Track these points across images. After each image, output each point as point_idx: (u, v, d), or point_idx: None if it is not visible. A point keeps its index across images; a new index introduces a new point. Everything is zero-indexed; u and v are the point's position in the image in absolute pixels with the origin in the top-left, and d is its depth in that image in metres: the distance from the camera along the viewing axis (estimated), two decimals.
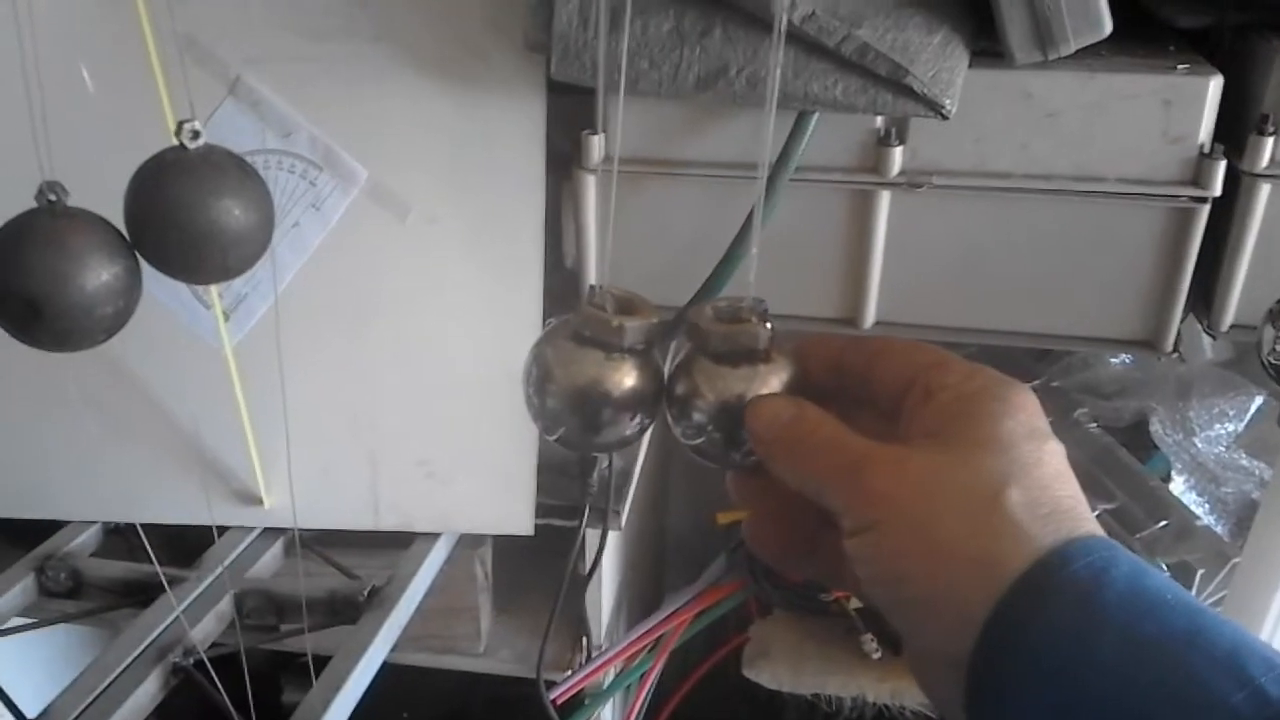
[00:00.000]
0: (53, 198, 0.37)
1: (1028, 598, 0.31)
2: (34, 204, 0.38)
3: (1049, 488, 0.34)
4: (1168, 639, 0.29)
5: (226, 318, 0.69)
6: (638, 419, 0.39)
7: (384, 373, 0.70)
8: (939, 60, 0.60)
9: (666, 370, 0.40)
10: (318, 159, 0.68)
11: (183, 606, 0.63)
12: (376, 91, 0.67)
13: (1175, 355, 0.67)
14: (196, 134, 0.39)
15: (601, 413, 0.37)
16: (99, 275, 0.37)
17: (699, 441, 0.40)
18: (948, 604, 0.33)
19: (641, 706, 0.78)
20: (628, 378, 0.37)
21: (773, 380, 0.39)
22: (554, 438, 0.40)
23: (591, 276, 0.74)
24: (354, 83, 0.67)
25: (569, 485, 0.72)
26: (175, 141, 0.57)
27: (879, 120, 0.65)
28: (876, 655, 0.73)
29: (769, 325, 0.39)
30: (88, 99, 0.65)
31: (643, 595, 1.00)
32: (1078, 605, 0.30)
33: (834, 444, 0.37)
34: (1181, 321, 0.66)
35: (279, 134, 0.68)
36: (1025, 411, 0.36)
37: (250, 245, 0.40)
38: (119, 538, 0.74)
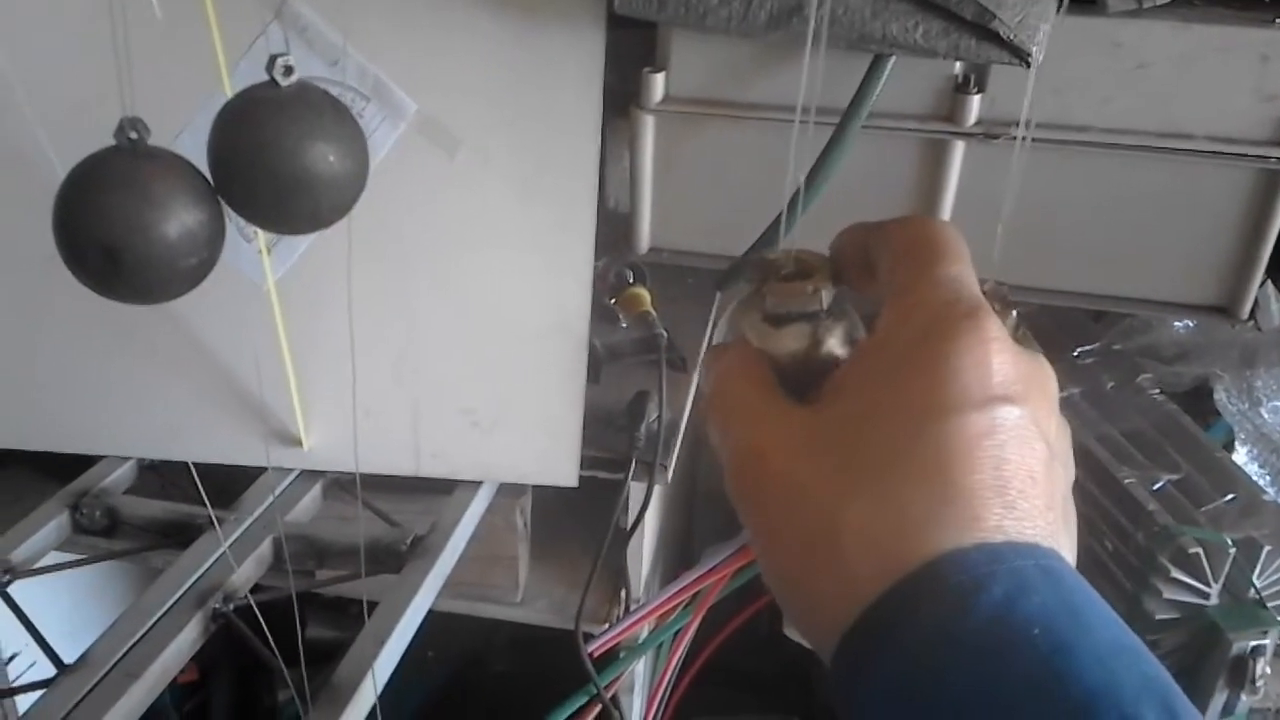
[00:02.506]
0: (134, 135, 0.34)
1: (886, 621, 0.28)
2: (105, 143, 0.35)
3: (945, 481, 0.29)
4: (1018, 683, 0.26)
5: (268, 252, 0.67)
6: None
7: (429, 315, 0.68)
8: (1026, 4, 0.57)
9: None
10: (366, 89, 0.65)
11: (225, 547, 0.61)
12: (430, 20, 0.64)
13: (1251, 323, 0.65)
14: (289, 70, 0.35)
15: (809, 388, 0.34)
16: (183, 222, 0.34)
17: None
18: (807, 614, 0.31)
19: (677, 662, 0.77)
20: (832, 343, 0.34)
21: None
22: None
23: (645, 221, 0.72)
24: (406, 10, 0.64)
25: (614, 436, 0.70)
26: (224, 74, 0.54)
27: (957, 66, 0.62)
28: None
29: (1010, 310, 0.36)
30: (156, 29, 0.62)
31: (674, 549, 0.99)
32: (939, 629, 0.27)
33: (739, 411, 0.33)
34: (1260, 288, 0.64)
35: (325, 61, 0.65)
36: (966, 374, 0.29)
37: (344, 194, 0.37)
38: (153, 474, 0.72)
